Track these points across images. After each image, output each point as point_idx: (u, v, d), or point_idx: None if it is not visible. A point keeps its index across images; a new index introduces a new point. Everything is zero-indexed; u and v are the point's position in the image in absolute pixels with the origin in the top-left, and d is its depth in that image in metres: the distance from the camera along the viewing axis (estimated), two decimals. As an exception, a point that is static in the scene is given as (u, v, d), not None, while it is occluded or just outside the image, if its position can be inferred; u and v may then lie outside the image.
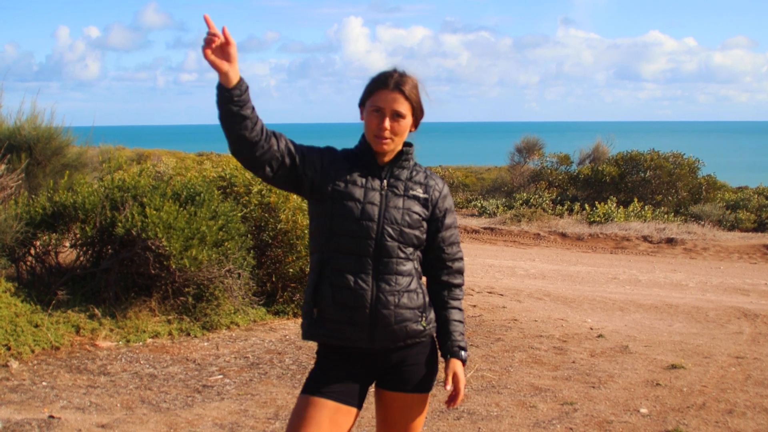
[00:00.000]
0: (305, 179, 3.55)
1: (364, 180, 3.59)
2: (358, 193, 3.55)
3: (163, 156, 31.41)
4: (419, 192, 3.65)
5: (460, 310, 3.76)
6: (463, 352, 3.69)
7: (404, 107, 3.57)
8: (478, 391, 7.39)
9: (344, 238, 3.51)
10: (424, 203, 3.65)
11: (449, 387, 3.65)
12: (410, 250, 3.60)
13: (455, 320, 3.71)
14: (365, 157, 3.63)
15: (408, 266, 3.59)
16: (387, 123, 3.55)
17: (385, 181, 3.62)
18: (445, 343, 3.69)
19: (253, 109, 3.37)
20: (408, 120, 3.60)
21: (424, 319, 3.61)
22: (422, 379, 3.65)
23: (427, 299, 3.67)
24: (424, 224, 3.64)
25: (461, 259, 3.79)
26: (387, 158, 3.64)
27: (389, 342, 3.55)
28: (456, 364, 3.66)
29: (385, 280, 3.52)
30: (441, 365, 3.70)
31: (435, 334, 3.71)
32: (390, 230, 3.53)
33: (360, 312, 3.49)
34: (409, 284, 3.57)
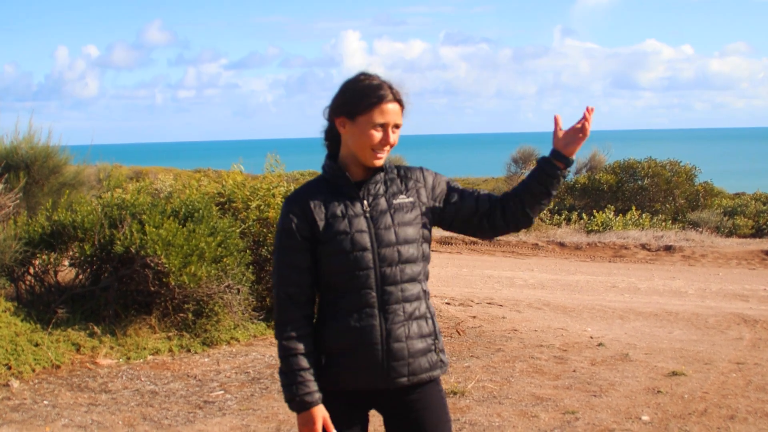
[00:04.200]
0: (315, 247, 3.35)
1: (343, 208, 3.36)
2: (343, 225, 3.32)
3: (159, 173, 31.43)
4: (403, 199, 3.42)
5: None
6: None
7: (402, 118, 3.40)
8: (480, 402, 7.39)
9: (341, 275, 3.31)
10: (413, 207, 3.42)
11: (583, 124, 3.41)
12: (416, 270, 3.40)
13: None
14: (339, 182, 3.41)
15: (415, 290, 3.40)
16: (392, 138, 3.37)
17: (365, 202, 3.38)
18: (539, 173, 3.44)
19: (312, 343, 3.34)
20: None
21: (436, 347, 3.43)
22: (436, 427, 3.44)
23: (437, 326, 3.47)
24: (424, 232, 3.43)
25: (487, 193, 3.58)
26: (362, 173, 3.43)
27: (407, 379, 3.36)
28: (557, 143, 3.43)
29: (392, 310, 3.32)
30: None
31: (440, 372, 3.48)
32: (386, 253, 3.32)
33: (371, 351, 3.31)
34: (416, 310, 3.38)
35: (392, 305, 3.33)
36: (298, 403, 3.26)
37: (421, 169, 3.56)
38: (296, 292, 3.33)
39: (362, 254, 3.30)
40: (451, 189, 3.54)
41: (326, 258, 3.32)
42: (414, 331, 3.36)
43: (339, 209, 3.35)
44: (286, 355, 3.30)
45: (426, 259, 3.47)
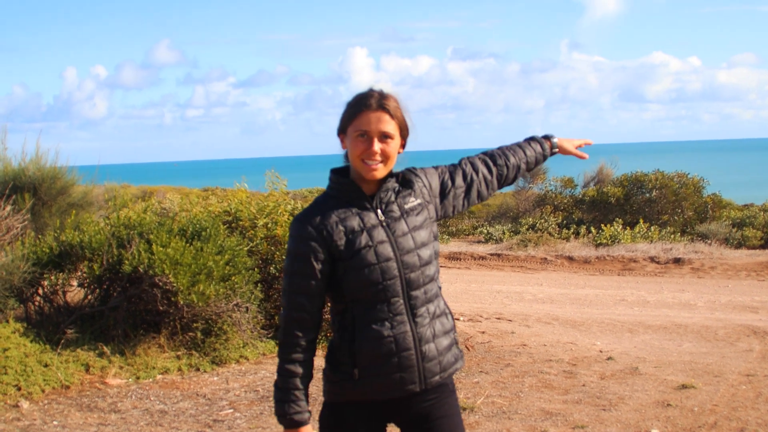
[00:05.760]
0: (331, 267, 3.36)
1: (360, 221, 3.35)
2: (364, 238, 3.31)
3: (168, 192, 31.51)
4: (412, 202, 3.45)
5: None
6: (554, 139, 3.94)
7: (391, 126, 3.35)
8: (489, 418, 7.38)
9: (369, 288, 3.30)
10: (422, 208, 3.46)
11: (585, 155, 4.02)
12: (433, 269, 3.43)
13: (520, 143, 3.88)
14: (351, 194, 3.40)
15: (434, 289, 3.44)
16: (376, 146, 3.32)
17: (379, 211, 3.38)
18: (536, 147, 3.89)
19: (311, 366, 3.39)
20: (397, 141, 3.39)
21: (456, 341, 3.52)
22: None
23: (453, 320, 3.55)
24: (434, 229, 3.47)
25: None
26: (374, 187, 3.42)
27: (438, 377, 3.41)
28: (561, 141, 3.94)
29: (420, 313, 3.36)
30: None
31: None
32: (408, 260, 3.33)
33: (407, 357, 3.33)
34: (437, 308, 3.44)
35: (419, 308, 3.36)
36: (288, 420, 3.33)
37: (415, 169, 3.59)
38: (304, 318, 3.33)
39: (387, 264, 3.30)
40: (443, 181, 3.63)
41: (351, 273, 3.30)
42: (438, 329, 3.42)
43: (356, 223, 3.34)
44: (284, 374, 3.35)
45: (438, 256, 3.49)
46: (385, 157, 3.36)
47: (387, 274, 3.30)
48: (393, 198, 3.43)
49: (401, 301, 3.33)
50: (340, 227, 3.32)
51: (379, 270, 3.29)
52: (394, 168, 3.48)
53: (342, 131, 3.43)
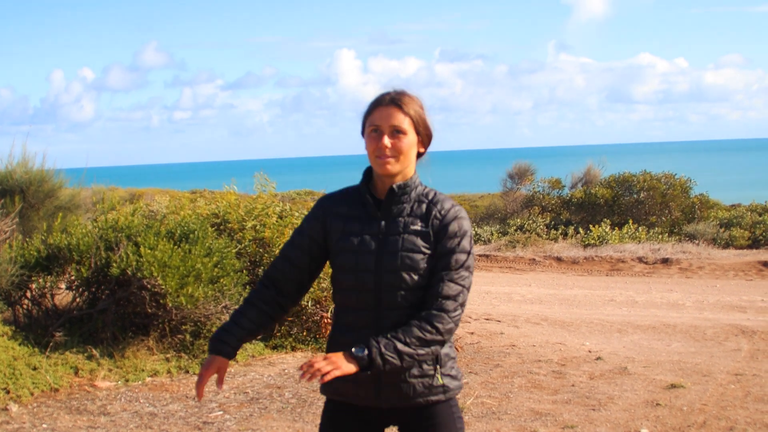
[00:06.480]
0: (324, 252, 3.41)
1: (360, 225, 3.32)
2: (354, 242, 3.29)
3: (156, 195, 31.44)
4: (418, 226, 3.29)
5: (414, 337, 3.19)
6: (372, 351, 3.15)
7: (404, 122, 3.29)
8: (479, 418, 7.39)
9: (345, 292, 3.31)
10: (425, 236, 3.29)
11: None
12: (419, 296, 3.27)
13: (396, 333, 3.20)
14: (364, 196, 3.37)
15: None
16: (386, 140, 3.26)
17: (383, 223, 3.31)
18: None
19: (262, 319, 3.42)
20: (410, 137, 3.31)
21: (439, 373, 3.33)
22: None
23: (443, 350, 3.35)
24: (429, 261, 3.29)
25: (450, 298, 3.25)
26: (390, 185, 3.33)
27: (398, 401, 3.31)
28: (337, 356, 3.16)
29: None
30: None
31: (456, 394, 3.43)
32: (388, 278, 3.24)
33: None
34: None
35: (388, 330, 3.23)
36: (211, 342, 3.38)
37: (451, 207, 3.36)
38: (278, 278, 3.43)
39: (364, 275, 3.27)
40: (444, 253, 3.30)
41: (333, 269, 3.39)
42: None
43: (356, 226, 3.33)
44: (235, 311, 3.43)
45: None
46: (397, 152, 3.29)
47: (361, 284, 3.27)
48: (406, 212, 3.34)
49: (372, 315, 3.28)
50: (340, 222, 3.35)
51: (353, 278, 3.28)
52: (419, 171, 3.45)
53: (363, 130, 3.41)
